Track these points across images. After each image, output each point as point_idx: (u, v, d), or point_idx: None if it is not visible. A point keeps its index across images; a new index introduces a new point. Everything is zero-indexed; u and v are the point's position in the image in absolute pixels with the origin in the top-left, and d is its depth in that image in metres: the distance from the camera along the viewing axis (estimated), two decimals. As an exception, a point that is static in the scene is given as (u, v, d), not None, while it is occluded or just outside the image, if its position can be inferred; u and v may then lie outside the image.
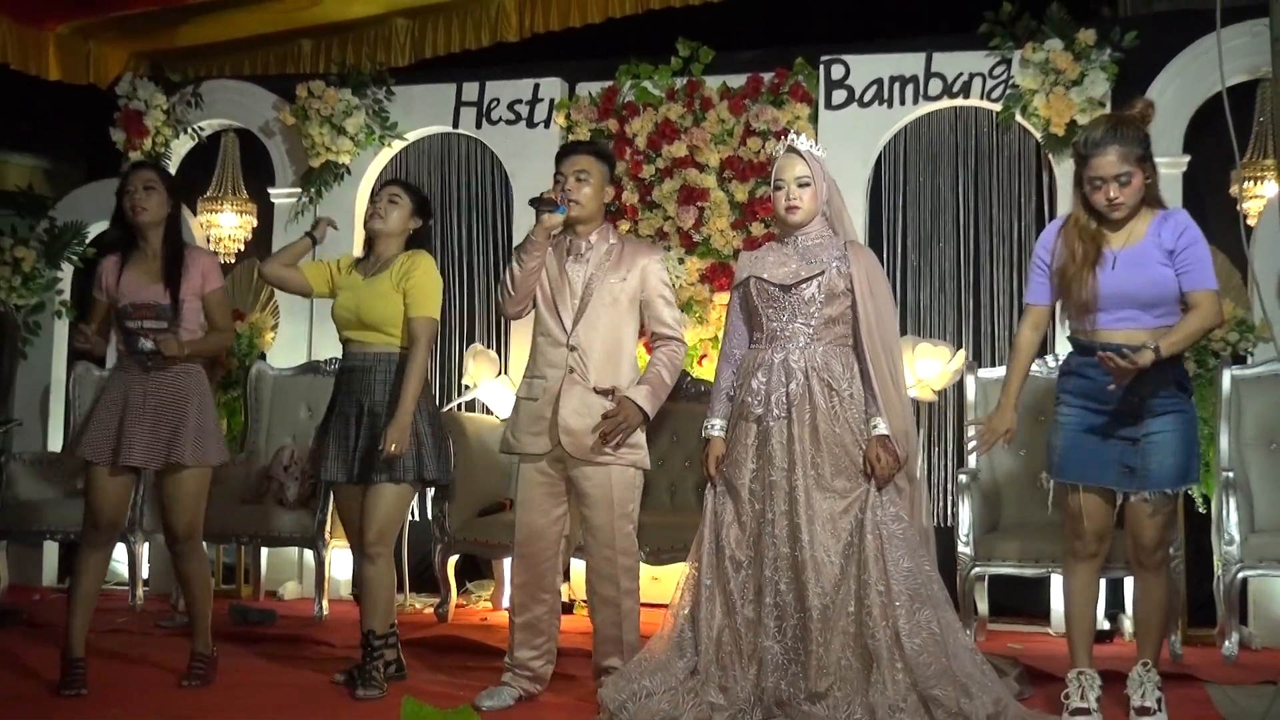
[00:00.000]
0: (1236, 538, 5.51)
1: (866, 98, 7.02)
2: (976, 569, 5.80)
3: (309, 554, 6.85)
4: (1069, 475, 4.17)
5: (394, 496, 4.65)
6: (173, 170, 8.05)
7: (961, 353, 6.52)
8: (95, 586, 4.82)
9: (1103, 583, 5.93)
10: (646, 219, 7.19)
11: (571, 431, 4.42)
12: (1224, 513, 5.57)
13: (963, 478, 5.91)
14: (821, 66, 7.08)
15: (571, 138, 7.32)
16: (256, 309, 7.61)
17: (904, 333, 6.58)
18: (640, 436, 4.52)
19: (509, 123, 7.57)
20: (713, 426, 4.43)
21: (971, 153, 7.08)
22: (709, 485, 4.41)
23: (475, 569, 7.27)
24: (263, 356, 7.49)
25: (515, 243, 7.33)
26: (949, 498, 6.76)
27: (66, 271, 7.87)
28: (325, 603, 6.47)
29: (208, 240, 7.81)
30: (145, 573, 6.91)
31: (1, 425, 7.71)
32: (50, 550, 7.69)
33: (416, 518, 7.25)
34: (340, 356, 4.87)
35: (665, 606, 4.50)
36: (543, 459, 4.49)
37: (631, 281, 4.53)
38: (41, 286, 7.66)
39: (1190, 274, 4.08)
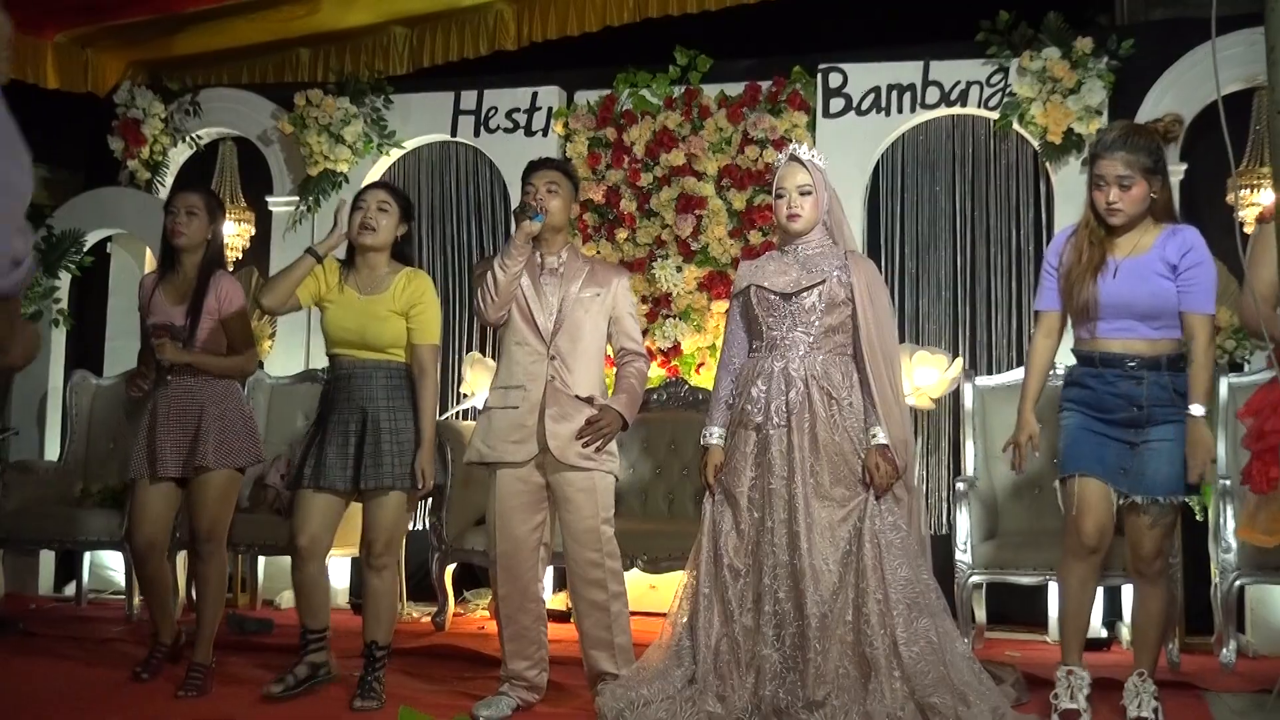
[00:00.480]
0: (1234, 545, 5.52)
1: (864, 106, 7.03)
2: (974, 577, 5.80)
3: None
4: (1070, 467, 4.20)
5: (398, 506, 4.65)
6: (170, 179, 8.07)
7: (959, 361, 6.52)
8: (163, 595, 4.99)
9: (1100, 590, 5.95)
10: (644, 227, 7.20)
11: (558, 436, 4.44)
12: (1221, 520, 5.57)
13: (960, 486, 5.91)
14: (819, 75, 7.09)
15: (570, 146, 7.33)
16: (254, 318, 7.60)
17: (901, 341, 6.58)
18: (614, 445, 4.56)
19: (507, 131, 7.58)
20: (711, 434, 4.43)
21: (969, 161, 7.09)
22: (707, 493, 4.41)
23: (473, 578, 7.26)
24: (260, 365, 7.49)
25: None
26: (946, 506, 6.76)
27: (64, 280, 7.86)
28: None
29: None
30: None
31: (-1, 434, 7.71)
32: (46, 559, 7.67)
33: (414, 527, 7.24)
34: (331, 366, 4.79)
35: (663, 615, 4.49)
36: (524, 466, 4.49)
37: (605, 298, 4.60)
38: (39, 295, 7.65)
39: (1191, 294, 4.12)
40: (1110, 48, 6.58)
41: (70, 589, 7.43)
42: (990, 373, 6.73)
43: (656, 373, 7.12)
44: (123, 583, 6.94)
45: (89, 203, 7.97)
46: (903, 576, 4.10)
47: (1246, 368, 6.13)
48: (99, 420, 7.43)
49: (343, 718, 4.45)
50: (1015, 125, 6.77)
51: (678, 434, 6.70)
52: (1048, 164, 6.74)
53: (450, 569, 6.49)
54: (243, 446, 4.90)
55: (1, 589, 7.16)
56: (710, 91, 7.25)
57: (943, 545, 6.04)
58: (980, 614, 6.04)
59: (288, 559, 7.09)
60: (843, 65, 7.06)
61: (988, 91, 6.86)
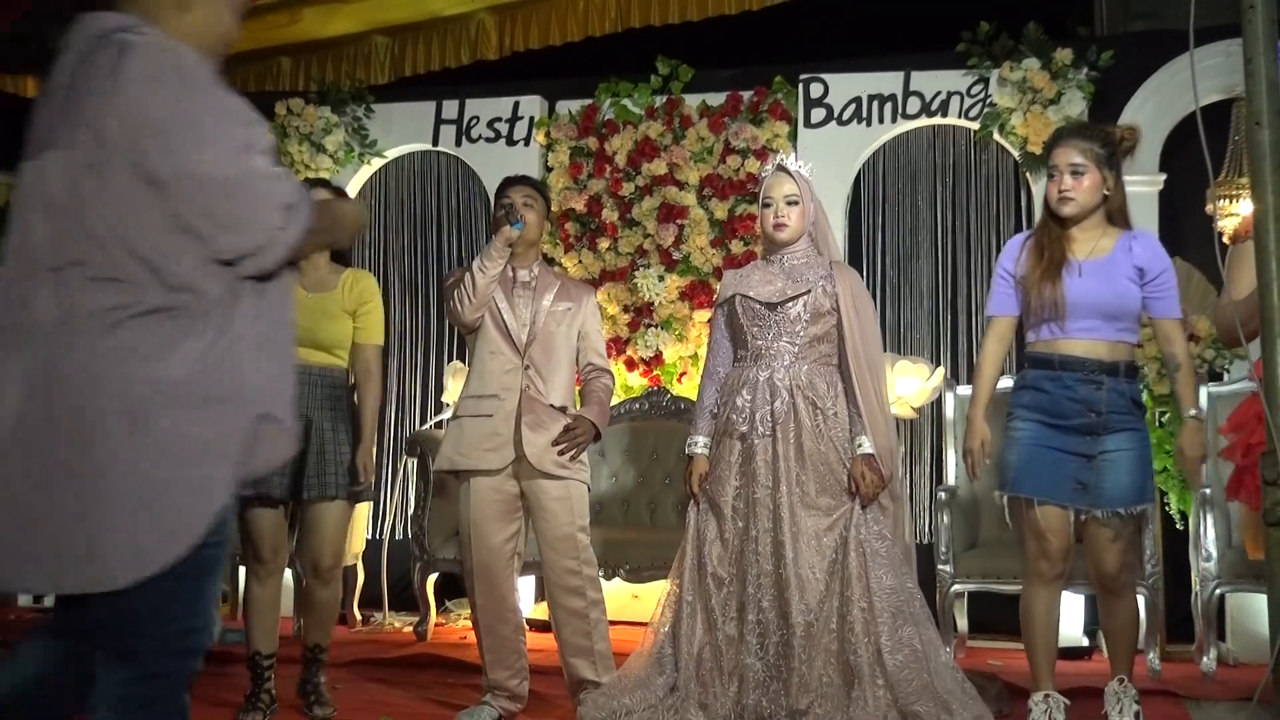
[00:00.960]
0: (1214, 554, 5.54)
1: (845, 116, 7.05)
2: (956, 586, 5.81)
3: (286, 573, 6.80)
4: (1026, 489, 4.11)
5: (341, 517, 4.63)
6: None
7: (940, 370, 6.54)
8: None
9: (1080, 600, 5.97)
10: (626, 236, 7.20)
11: (534, 444, 4.44)
12: (1201, 529, 5.59)
13: (941, 495, 5.93)
14: (800, 85, 7.11)
15: (551, 156, 7.34)
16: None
17: (883, 350, 6.59)
18: (585, 455, 4.57)
19: (489, 140, 7.58)
20: (696, 444, 4.43)
21: (950, 171, 7.11)
22: (692, 502, 4.42)
23: (454, 587, 7.24)
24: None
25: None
26: (928, 515, 6.77)
27: (44, 289, 7.83)
28: (303, 622, 6.43)
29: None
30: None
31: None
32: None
33: (397, 536, 7.23)
34: None
35: (646, 624, 4.50)
36: (498, 474, 4.48)
37: (576, 313, 4.63)
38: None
39: (1164, 300, 4.13)
40: (1090, 58, 6.61)
41: (50, 600, 7.38)
42: (971, 382, 6.74)
43: (638, 382, 7.13)
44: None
45: (69, 212, 7.94)
46: (887, 585, 4.11)
47: (1226, 377, 6.15)
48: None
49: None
50: (996, 135, 6.80)
51: (660, 443, 6.70)
52: (1028, 174, 6.77)
53: (432, 579, 6.48)
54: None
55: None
56: (692, 101, 7.27)
57: (925, 554, 6.05)
58: (962, 623, 6.05)
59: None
60: (824, 75, 7.08)
61: (968, 102, 6.88)
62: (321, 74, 8.40)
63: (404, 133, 7.75)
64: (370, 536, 7.18)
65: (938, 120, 7.01)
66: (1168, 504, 6.12)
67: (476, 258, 4.55)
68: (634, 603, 6.39)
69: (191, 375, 2.08)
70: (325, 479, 4.50)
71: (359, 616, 6.81)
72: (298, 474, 4.48)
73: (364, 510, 6.83)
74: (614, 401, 5.49)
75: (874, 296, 6.93)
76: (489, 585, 4.50)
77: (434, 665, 5.54)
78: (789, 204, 4.33)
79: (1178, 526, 6.09)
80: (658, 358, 7.12)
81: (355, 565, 6.84)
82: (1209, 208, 6.19)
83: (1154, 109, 6.55)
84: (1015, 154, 6.80)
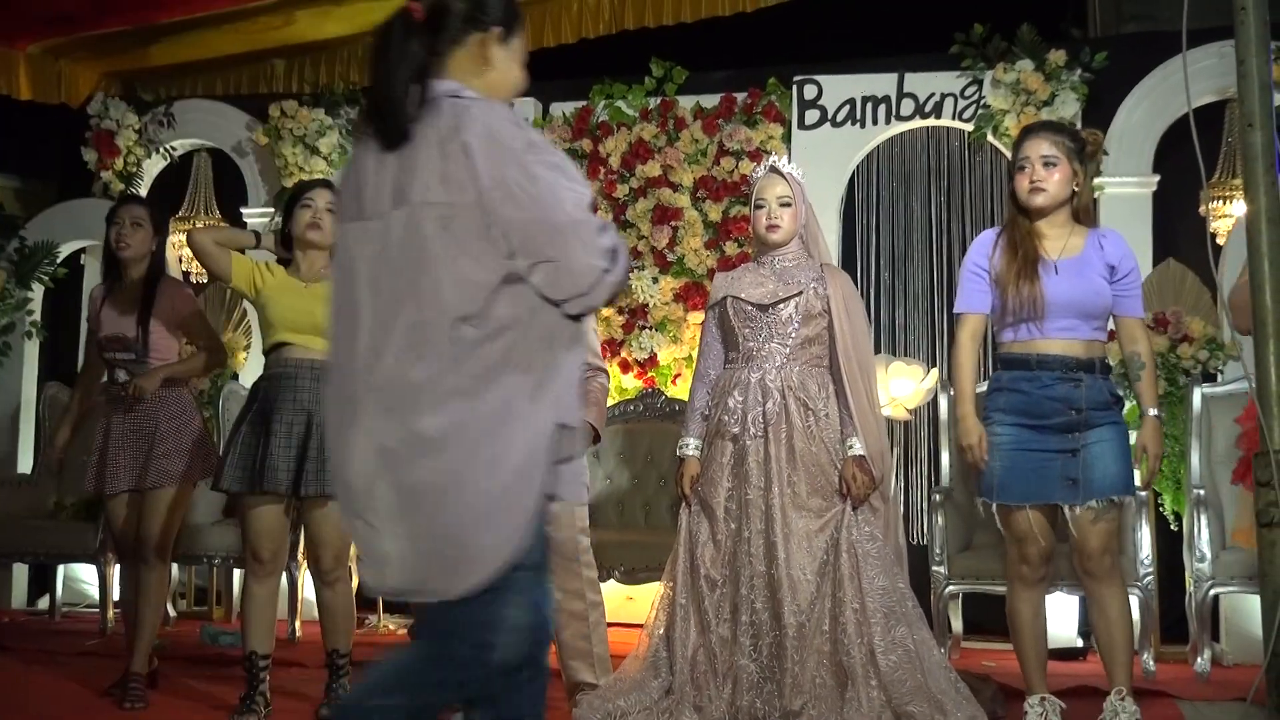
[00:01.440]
0: (1208, 555, 5.54)
1: (839, 117, 7.06)
2: (950, 587, 5.82)
3: (281, 576, 6.80)
4: (1013, 496, 4.08)
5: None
6: (144, 190, 8.04)
7: (934, 371, 6.54)
8: (151, 601, 4.86)
9: (1075, 601, 5.98)
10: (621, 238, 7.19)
11: None
12: (1195, 530, 5.59)
13: (936, 496, 5.93)
14: (794, 86, 7.11)
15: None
16: (228, 329, 7.58)
17: (877, 352, 6.60)
18: (581, 460, 4.54)
19: (482, 142, 7.56)
20: (688, 446, 4.43)
21: (943, 172, 7.12)
22: (684, 504, 4.41)
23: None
24: (235, 377, 7.46)
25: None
26: (923, 516, 6.78)
27: (37, 291, 7.82)
28: (298, 624, 6.44)
29: (180, 260, 7.78)
30: (116, 594, 6.85)
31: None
32: (20, 572, 7.63)
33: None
34: (272, 360, 4.55)
35: (640, 626, 4.49)
36: None
37: None
38: (12, 307, 7.61)
39: (1131, 299, 4.14)
40: (1083, 60, 6.62)
41: (44, 602, 7.38)
42: (951, 382, 6.73)
43: (633, 384, 7.13)
44: (97, 596, 6.91)
45: (62, 214, 7.93)
46: (879, 586, 4.12)
47: (1220, 378, 6.16)
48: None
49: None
50: (989, 137, 6.81)
51: (654, 445, 6.70)
52: (1022, 175, 6.76)
53: (426, 581, 6.46)
54: (197, 460, 4.86)
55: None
56: (686, 103, 7.27)
57: (919, 555, 6.06)
58: (956, 624, 6.05)
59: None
60: (818, 77, 7.09)
61: (962, 103, 6.89)
62: (315, 76, 8.39)
63: (398, 134, 7.73)
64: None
65: (931, 122, 7.02)
66: (1162, 505, 6.13)
67: None
68: (629, 604, 6.38)
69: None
70: (325, 476, 4.30)
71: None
72: (299, 469, 4.38)
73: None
74: (609, 403, 5.49)
75: (868, 298, 6.95)
76: None
77: (428, 667, 5.52)
78: (782, 205, 4.33)
79: (1172, 528, 6.10)
80: (652, 359, 7.12)
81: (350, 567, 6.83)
82: (1202, 209, 6.20)
83: (1147, 111, 6.56)
84: (1009, 155, 6.80)
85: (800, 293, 4.27)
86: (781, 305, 4.28)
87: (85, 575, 7.40)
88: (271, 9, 7.88)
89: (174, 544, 4.93)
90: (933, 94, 6.96)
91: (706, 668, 4.20)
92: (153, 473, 4.76)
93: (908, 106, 6.99)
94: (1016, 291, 4.04)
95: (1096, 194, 6.54)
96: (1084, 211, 4.21)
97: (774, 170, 4.38)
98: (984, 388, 4.58)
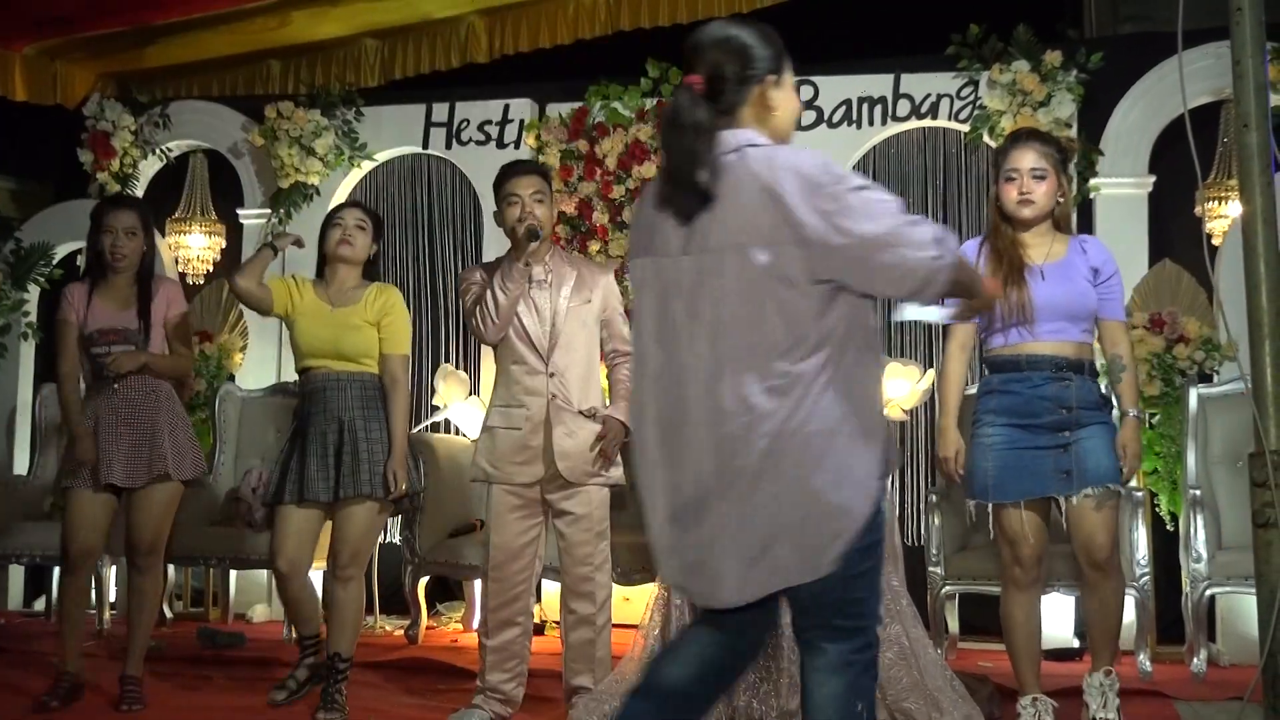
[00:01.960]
0: (1204, 555, 5.55)
1: (835, 118, 7.06)
2: (947, 588, 5.82)
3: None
4: (1007, 494, 4.11)
5: (369, 518, 4.65)
6: (141, 191, 8.04)
7: (931, 372, 6.54)
8: (80, 611, 4.84)
9: (1070, 601, 5.97)
10: (617, 239, 7.20)
11: (569, 455, 4.42)
12: (1191, 530, 5.60)
13: (932, 497, 5.93)
14: (791, 87, 7.10)
15: (542, 159, 7.31)
16: (225, 330, 7.58)
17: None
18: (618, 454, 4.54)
19: (479, 143, 7.57)
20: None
21: (940, 173, 7.12)
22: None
23: (446, 590, 7.24)
24: (231, 378, 7.46)
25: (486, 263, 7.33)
26: (919, 517, 6.78)
27: (33, 293, 7.80)
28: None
29: (176, 261, 7.78)
30: (112, 595, 6.85)
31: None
32: (16, 574, 7.62)
33: (386, 539, 7.22)
34: (303, 380, 4.79)
35: (635, 627, 4.49)
36: (533, 486, 4.48)
37: (595, 303, 4.58)
38: (8, 308, 7.59)
39: (1113, 302, 4.20)
40: (1079, 61, 6.62)
41: (40, 604, 7.37)
42: (938, 390, 6.73)
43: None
44: (94, 597, 6.90)
45: (58, 215, 7.91)
46: (875, 585, 4.12)
47: (1216, 378, 6.16)
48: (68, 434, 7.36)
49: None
50: (985, 138, 6.81)
51: (651, 446, 6.69)
52: (1018, 176, 6.76)
53: (423, 582, 6.47)
54: (193, 458, 4.86)
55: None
56: (682, 104, 7.24)
57: (915, 556, 6.06)
58: (953, 625, 6.05)
59: (260, 573, 7.10)
60: (814, 78, 7.09)
61: (958, 104, 6.89)
62: (311, 77, 8.39)
63: (394, 136, 7.74)
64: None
65: (928, 122, 7.02)
66: (1158, 505, 6.14)
67: (495, 276, 4.50)
68: (624, 605, 6.37)
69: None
70: (359, 479, 4.58)
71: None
72: (337, 476, 4.59)
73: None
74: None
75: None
76: (502, 588, 4.49)
77: (425, 669, 5.53)
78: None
79: (1168, 528, 6.10)
80: (648, 360, 7.11)
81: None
82: (1198, 210, 6.20)
83: (1143, 111, 6.57)
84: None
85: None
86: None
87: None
88: (267, 10, 7.88)
89: (169, 544, 4.93)
90: (929, 95, 6.96)
91: (703, 668, 4.19)
92: (158, 467, 4.71)
93: (904, 107, 7.00)
94: (1005, 297, 4.07)
95: (1092, 195, 6.55)
96: (1064, 220, 4.28)
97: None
98: (974, 390, 4.61)
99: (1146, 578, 5.61)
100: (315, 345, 4.69)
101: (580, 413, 4.48)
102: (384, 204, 7.79)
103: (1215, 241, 6.31)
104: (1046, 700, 4.18)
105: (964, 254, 3.95)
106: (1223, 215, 6.51)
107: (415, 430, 6.82)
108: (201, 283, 7.82)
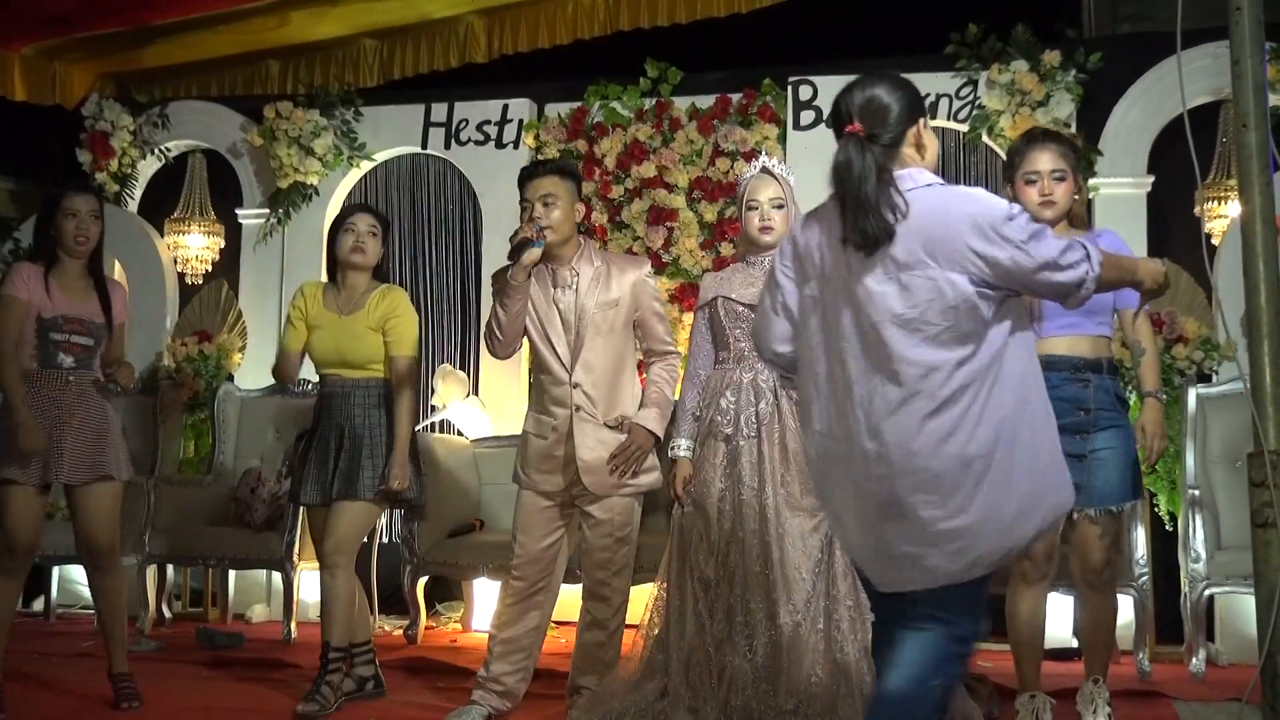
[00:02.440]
0: (1203, 555, 5.55)
1: (834, 118, 7.05)
2: (946, 588, 5.80)
3: (277, 576, 6.82)
4: None
5: (358, 511, 4.69)
6: (139, 191, 8.05)
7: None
8: (10, 612, 4.73)
9: (1070, 601, 5.97)
10: (615, 239, 7.20)
11: (593, 470, 4.37)
12: (1190, 530, 5.60)
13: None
14: (789, 87, 7.11)
15: (540, 158, 7.31)
16: (224, 330, 7.58)
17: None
18: (652, 456, 4.50)
19: (478, 143, 7.57)
20: (679, 447, 4.43)
21: (938, 173, 7.07)
22: (676, 505, 4.42)
23: (445, 590, 7.24)
24: (230, 378, 7.46)
25: (484, 263, 7.34)
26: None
27: (32, 293, 7.79)
28: (294, 625, 6.42)
29: (175, 261, 7.78)
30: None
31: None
32: None
33: (385, 539, 7.22)
34: (319, 385, 4.92)
35: (634, 627, 4.49)
36: (558, 495, 4.48)
37: (623, 305, 4.45)
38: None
39: (1126, 291, 4.15)
40: (1078, 60, 6.62)
41: (39, 604, 7.37)
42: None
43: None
44: (91, 597, 6.89)
45: (57, 215, 7.90)
46: (874, 584, 4.12)
47: (1215, 378, 6.16)
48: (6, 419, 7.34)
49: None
50: (984, 137, 6.81)
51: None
52: (1017, 176, 6.77)
53: (422, 582, 6.47)
54: (128, 460, 4.85)
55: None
56: (681, 104, 7.26)
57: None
58: (952, 624, 6.04)
59: (259, 573, 7.12)
60: (813, 78, 7.09)
61: (957, 104, 6.89)
62: (310, 77, 8.39)
63: (393, 136, 7.74)
64: (360, 540, 7.17)
65: (927, 122, 7.00)
66: (1157, 505, 6.14)
67: (499, 289, 4.41)
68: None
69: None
70: (352, 483, 4.67)
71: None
72: (332, 480, 4.70)
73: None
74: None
75: (863, 299, 6.94)
76: (521, 588, 4.49)
77: (424, 668, 5.53)
78: (774, 207, 4.33)
79: (1167, 528, 6.10)
80: (648, 360, 7.12)
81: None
82: (1197, 210, 6.20)
83: (1142, 111, 6.57)
84: (1004, 156, 6.80)
85: (793, 293, 4.26)
86: (774, 305, 4.27)
87: (79, 577, 7.37)
88: (266, 10, 7.88)
89: (169, 545, 4.93)
90: (927, 94, 6.93)
91: (703, 669, 4.20)
92: (105, 467, 4.66)
93: (903, 107, 6.98)
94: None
95: (1091, 194, 6.55)
96: (1078, 218, 4.30)
97: (766, 171, 4.38)
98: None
99: (1145, 578, 5.61)
100: (325, 355, 4.80)
101: (606, 424, 4.41)
102: (383, 204, 7.78)
103: (1214, 241, 6.31)
104: (1045, 698, 4.19)
105: (1114, 250, 4.05)
106: (1222, 215, 6.50)
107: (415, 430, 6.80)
108: (200, 283, 7.82)
